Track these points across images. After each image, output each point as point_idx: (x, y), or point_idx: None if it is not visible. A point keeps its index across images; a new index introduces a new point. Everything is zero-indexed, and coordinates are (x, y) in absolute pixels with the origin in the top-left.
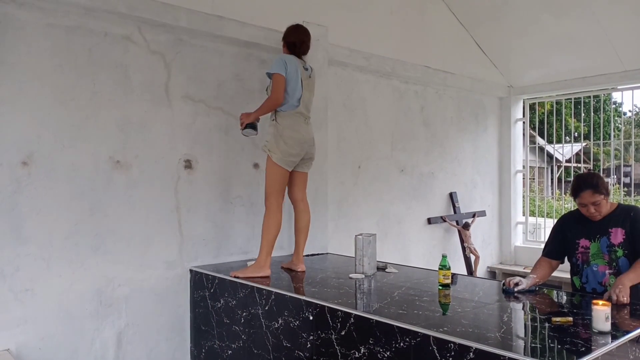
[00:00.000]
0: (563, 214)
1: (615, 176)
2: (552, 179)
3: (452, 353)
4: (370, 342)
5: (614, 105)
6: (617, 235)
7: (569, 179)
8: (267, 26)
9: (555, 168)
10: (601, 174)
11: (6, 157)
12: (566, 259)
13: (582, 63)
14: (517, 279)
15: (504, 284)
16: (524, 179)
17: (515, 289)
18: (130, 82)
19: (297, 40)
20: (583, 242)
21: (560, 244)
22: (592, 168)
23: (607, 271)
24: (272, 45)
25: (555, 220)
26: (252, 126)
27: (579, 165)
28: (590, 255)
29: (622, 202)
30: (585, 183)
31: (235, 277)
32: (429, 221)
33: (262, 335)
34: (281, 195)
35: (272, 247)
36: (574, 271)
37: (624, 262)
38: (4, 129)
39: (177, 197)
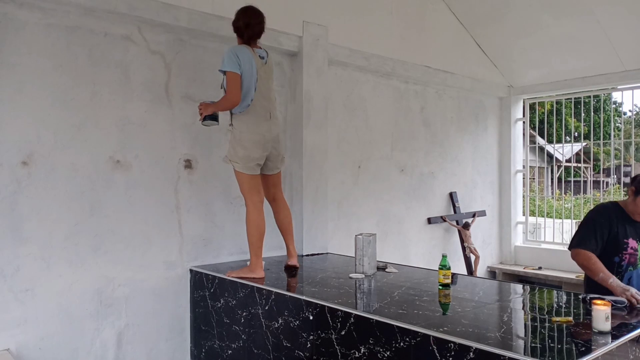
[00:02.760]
0: (603, 205)
1: (615, 176)
2: (552, 179)
3: (452, 353)
4: (370, 342)
5: (614, 105)
6: None
7: (569, 179)
8: (267, 26)
9: (555, 168)
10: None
11: (6, 157)
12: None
13: (582, 63)
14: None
15: (624, 304)
16: (524, 178)
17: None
18: (130, 82)
19: (242, 24)
20: (632, 242)
21: (603, 239)
22: (592, 168)
23: None
24: (273, 45)
25: (594, 212)
26: (212, 117)
27: (579, 165)
28: (639, 258)
29: None
30: None
31: (229, 276)
32: (429, 221)
33: (262, 335)
34: (255, 194)
35: (259, 248)
36: (613, 270)
37: None
38: (4, 129)
39: (177, 197)
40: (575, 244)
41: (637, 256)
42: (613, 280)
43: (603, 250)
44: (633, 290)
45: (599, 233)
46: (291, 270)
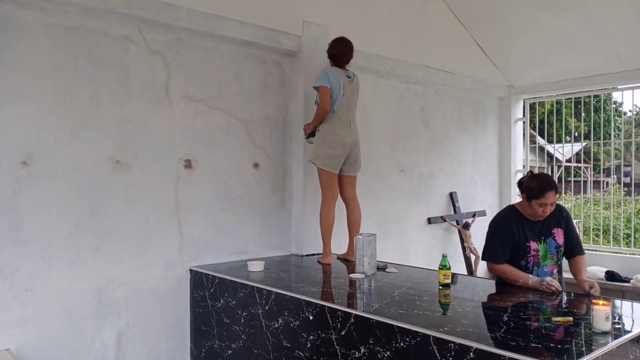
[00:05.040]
0: (501, 214)
1: (615, 176)
2: None
3: (452, 353)
4: (370, 342)
5: (614, 105)
6: (560, 236)
7: (569, 179)
8: (267, 26)
9: (555, 168)
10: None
11: (6, 157)
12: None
13: (582, 63)
14: (555, 283)
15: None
16: None
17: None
18: (130, 82)
19: (337, 53)
20: (533, 245)
21: (508, 247)
22: (592, 168)
23: (554, 270)
24: (273, 45)
25: (494, 224)
26: (314, 134)
27: (579, 165)
28: (540, 256)
29: None
30: (551, 184)
31: (319, 262)
32: (429, 221)
33: (262, 335)
34: (330, 190)
35: (327, 238)
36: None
37: (562, 260)
38: (4, 129)
39: (177, 197)
40: (487, 258)
41: (539, 256)
42: (532, 280)
43: (510, 256)
44: (547, 279)
45: (503, 243)
46: (347, 260)
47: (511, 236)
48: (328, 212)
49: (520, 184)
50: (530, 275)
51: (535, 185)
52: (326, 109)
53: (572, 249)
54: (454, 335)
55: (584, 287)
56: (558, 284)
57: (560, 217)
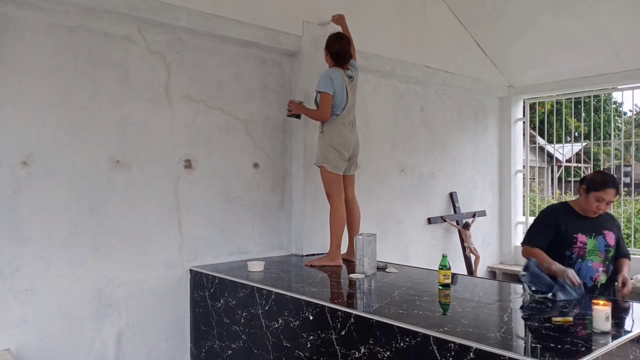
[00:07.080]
0: (551, 206)
1: (615, 176)
2: (552, 179)
3: (452, 353)
4: (370, 342)
5: (614, 105)
6: (611, 238)
7: (569, 179)
8: (267, 26)
9: (555, 168)
10: None
11: (6, 157)
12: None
13: (582, 63)
14: (576, 278)
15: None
16: (524, 178)
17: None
18: (130, 82)
19: (340, 50)
20: (581, 237)
21: (548, 237)
22: (592, 168)
23: (600, 268)
24: (273, 45)
25: (543, 213)
26: (297, 116)
27: (579, 165)
28: (587, 251)
29: None
30: (614, 181)
31: (311, 265)
32: (429, 221)
33: (262, 335)
34: (340, 191)
35: (340, 239)
36: (564, 262)
37: (611, 262)
38: (4, 129)
39: (177, 197)
40: (525, 242)
41: (585, 249)
42: (555, 266)
43: (555, 246)
44: (569, 271)
45: (545, 232)
46: (348, 260)
47: (555, 227)
48: (342, 211)
49: (584, 177)
50: (556, 262)
51: (599, 178)
52: (325, 117)
53: (620, 255)
54: (454, 335)
55: (617, 278)
56: (578, 279)
57: (613, 223)
